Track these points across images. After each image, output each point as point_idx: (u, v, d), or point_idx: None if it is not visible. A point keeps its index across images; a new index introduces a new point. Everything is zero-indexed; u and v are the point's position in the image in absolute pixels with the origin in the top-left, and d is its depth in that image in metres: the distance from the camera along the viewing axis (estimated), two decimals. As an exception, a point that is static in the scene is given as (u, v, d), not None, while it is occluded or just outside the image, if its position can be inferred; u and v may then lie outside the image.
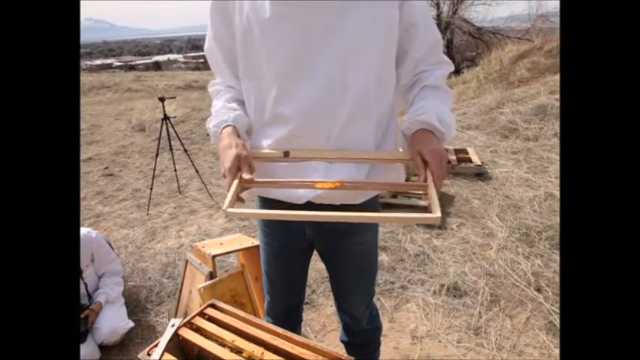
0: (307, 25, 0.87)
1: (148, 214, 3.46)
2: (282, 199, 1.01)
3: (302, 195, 0.98)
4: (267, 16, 0.88)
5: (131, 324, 2.00)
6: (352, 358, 0.99)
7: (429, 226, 2.95)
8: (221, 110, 1.00)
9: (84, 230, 2.02)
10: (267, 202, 1.07)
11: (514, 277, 2.33)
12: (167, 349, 1.03)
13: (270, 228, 1.15)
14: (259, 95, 0.96)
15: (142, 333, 2.04)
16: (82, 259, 1.97)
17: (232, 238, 1.78)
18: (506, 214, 3.10)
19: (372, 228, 1.14)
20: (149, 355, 1.02)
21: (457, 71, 11.96)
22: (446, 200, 3.38)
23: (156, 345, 1.05)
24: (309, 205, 0.98)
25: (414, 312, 2.10)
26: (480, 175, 3.88)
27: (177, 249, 2.81)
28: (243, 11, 0.91)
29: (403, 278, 2.36)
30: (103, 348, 1.92)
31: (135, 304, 2.24)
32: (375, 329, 1.34)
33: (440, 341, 1.90)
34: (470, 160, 4.09)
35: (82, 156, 5.37)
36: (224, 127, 0.96)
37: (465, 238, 2.79)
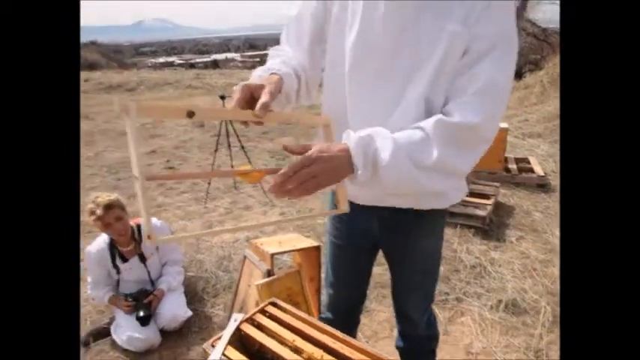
0: (382, 26, 0.86)
1: (205, 207, 3.61)
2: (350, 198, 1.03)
3: (355, 197, 1.01)
4: (353, 8, 0.89)
5: (190, 313, 2.09)
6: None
7: (487, 237, 2.84)
8: (274, 64, 0.92)
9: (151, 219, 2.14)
10: None
11: (580, 297, 2.18)
12: (229, 343, 1.07)
13: (340, 223, 1.18)
14: (337, 87, 0.96)
15: (198, 322, 2.13)
16: (148, 247, 2.09)
17: (289, 237, 1.81)
18: (571, 229, 2.91)
19: (438, 229, 1.13)
20: (213, 346, 1.07)
21: (519, 75, 11.40)
22: (505, 211, 3.23)
23: (219, 338, 1.09)
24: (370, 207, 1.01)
25: (469, 326, 2.03)
26: (543, 186, 3.67)
27: (232, 243, 2.91)
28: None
29: (458, 290, 2.29)
30: (163, 333, 2.02)
31: (193, 294, 2.34)
32: (433, 337, 1.32)
33: None
34: (532, 171, 3.89)
35: (146, 149, 5.70)
36: (271, 74, 0.87)
37: (525, 252, 2.66)
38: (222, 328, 2.02)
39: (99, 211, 1.87)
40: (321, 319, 1.33)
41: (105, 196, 1.92)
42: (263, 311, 1.17)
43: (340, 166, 0.73)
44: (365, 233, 1.13)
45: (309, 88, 1.01)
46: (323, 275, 1.66)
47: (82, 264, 2.08)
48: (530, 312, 2.10)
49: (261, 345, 1.07)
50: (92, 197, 1.93)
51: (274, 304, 1.19)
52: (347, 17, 0.91)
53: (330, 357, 1.00)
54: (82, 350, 1.98)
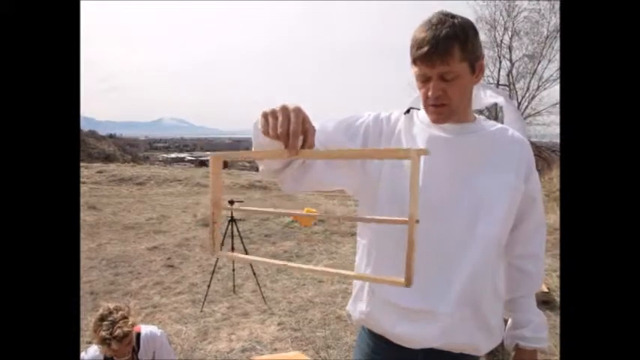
0: (452, 167, 0.93)
1: (201, 311, 3.52)
2: (396, 341, 0.98)
3: (420, 340, 0.95)
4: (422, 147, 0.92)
5: None
6: None
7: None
8: None
9: (151, 328, 2.11)
10: (375, 338, 1.04)
11: None
12: None
13: (379, 355, 1.06)
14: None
15: None
16: (144, 357, 2.02)
17: (290, 356, 1.78)
18: (579, 354, 2.79)
19: None
20: None
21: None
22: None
23: None
24: (426, 353, 0.97)
25: None
26: (547, 303, 3.60)
27: (227, 353, 2.79)
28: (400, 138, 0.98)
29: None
30: None
31: (180, 411, 2.20)
32: None
33: None
34: (534, 287, 3.85)
35: (149, 244, 5.73)
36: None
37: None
38: None
39: (114, 345, 1.73)
40: None
41: (120, 321, 1.75)
42: None
43: None
44: None
45: (305, 176, 0.93)
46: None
47: None
48: None
49: None
50: (106, 323, 1.75)
51: None
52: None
53: None
54: None
